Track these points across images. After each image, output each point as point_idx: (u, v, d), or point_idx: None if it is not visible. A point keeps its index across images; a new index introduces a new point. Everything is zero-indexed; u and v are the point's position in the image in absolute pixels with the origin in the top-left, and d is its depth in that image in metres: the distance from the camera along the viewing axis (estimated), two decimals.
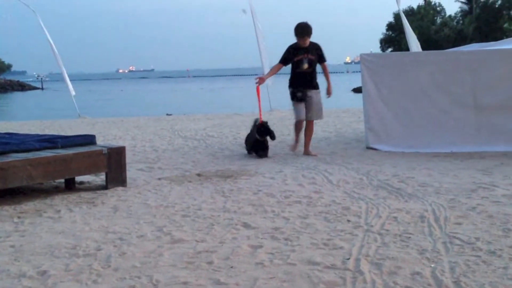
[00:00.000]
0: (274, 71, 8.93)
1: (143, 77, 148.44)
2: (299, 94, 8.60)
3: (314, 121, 8.91)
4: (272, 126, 9.03)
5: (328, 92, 8.85)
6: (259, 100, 9.00)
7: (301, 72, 8.63)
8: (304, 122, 8.81)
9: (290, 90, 8.77)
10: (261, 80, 8.67)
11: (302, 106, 8.66)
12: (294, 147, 9.06)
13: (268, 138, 8.79)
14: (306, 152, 8.76)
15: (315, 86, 8.74)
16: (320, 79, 8.95)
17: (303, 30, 8.58)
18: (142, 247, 4.31)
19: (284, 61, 8.75)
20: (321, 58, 8.78)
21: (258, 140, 8.71)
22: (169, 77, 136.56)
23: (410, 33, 15.22)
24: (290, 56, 8.67)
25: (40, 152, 6.22)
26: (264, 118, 8.96)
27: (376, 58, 9.45)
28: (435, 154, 8.36)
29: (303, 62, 8.57)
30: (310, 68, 8.62)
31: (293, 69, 8.71)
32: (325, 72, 9.02)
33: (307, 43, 8.63)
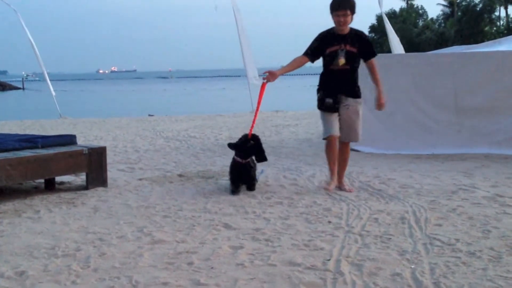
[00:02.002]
0: (294, 65, 6.13)
1: (126, 78, 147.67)
2: (329, 100, 6.05)
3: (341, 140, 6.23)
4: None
5: (380, 104, 6.15)
6: (258, 103, 6.38)
7: (335, 71, 6.05)
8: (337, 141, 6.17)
9: (318, 95, 6.18)
10: (271, 76, 6.02)
11: (334, 117, 6.09)
12: (330, 183, 6.24)
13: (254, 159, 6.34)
14: (340, 184, 6.28)
15: (355, 93, 6.11)
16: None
17: (341, 1, 6.03)
18: (122, 248, 4.28)
19: (310, 52, 6.11)
20: (366, 52, 6.09)
21: (238, 164, 6.20)
22: (155, 77, 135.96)
23: (393, 36, 15.30)
24: (320, 45, 6.08)
25: (20, 152, 6.15)
26: (252, 125, 6.44)
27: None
28: (417, 156, 8.40)
29: (337, 56, 6.00)
30: (349, 65, 6.02)
31: (324, 65, 6.16)
32: (372, 73, 6.12)
33: (346, 29, 6.05)
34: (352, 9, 5.95)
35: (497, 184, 6.30)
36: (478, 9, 57.71)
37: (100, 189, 6.45)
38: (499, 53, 8.77)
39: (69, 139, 6.78)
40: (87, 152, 6.42)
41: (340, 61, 5.98)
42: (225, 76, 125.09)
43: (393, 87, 8.93)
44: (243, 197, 5.93)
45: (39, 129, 14.34)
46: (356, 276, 3.59)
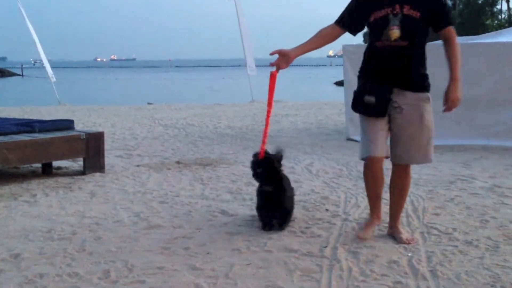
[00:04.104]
0: (318, 41, 3.97)
1: (126, 66, 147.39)
2: (370, 99, 3.84)
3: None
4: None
5: (451, 100, 3.84)
6: (269, 101, 4.13)
7: (384, 49, 3.84)
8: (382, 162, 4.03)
9: (357, 86, 4.03)
10: (283, 59, 3.89)
11: (378, 125, 3.90)
12: (367, 226, 4.15)
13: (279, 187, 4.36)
14: (394, 228, 4.12)
15: (417, 84, 3.87)
16: None
17: None
18: (118, 232, 4.27)
19: (346, 19, 3.97)
20: (437, 17, 3.84)
21: (264, 192, 4.36)
22: (154, 66, 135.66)
23: None
24: (361, 8, 3.93)
25: (17, 136, 6.13)
26: (263, 140, 4.27)
27: (358, 49, 9.41)
28: None
29: (388, 24, 3.78)
30: (407, 38, 3.78)
31: (369, 40, 3.97)
32: (449, 49, 3.89)
33: None
34: None
35: (495, 175, 6.28)
36: (479, 2, 57.56)
37: (97, 174, 6.43)
38: (500, 44, 8.73)
39: (67, 124, 6.76)
40: (84, 137, 6.40)
41: (392, 32, 3.74)
42: (226, 66, 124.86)
43: None
44: (241, 184, 5.91)
45: (38, 115, 14.28)
46: (352, 263, 3.58)
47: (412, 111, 3.83)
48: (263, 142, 4.22)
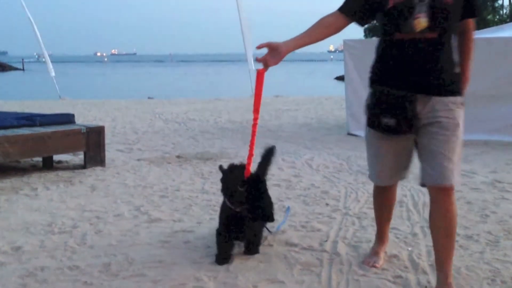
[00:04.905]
0: (317, 33, 3.11)
1: (127, 61, 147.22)
2: (388, 121, 3.00)
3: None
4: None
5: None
6: (256, 100, 3.32)
7: (406, 42, 2.98)
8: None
9: (369, 94, 3.13)
10: (272, 55, 3.06)
11: (399, 146, 3.17)
12: (374, 253, 3.57)
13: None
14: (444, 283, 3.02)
15: (450, 86, 3.02)
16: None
17: None
18: (119, 226, 4.27)
19: (352, 7, 3.16)
20: (467, 5, 3.09)
21: (233, 216, 3.49)
22: (155, 61, 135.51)
23: None
24: None
25: (18, 130, 6.14)
26: (250, 152, 3.44)
27: (359, 44, 9.43)
28: None
29: (413, 11, 2.94)
30: (436, 29, 2.95)
31: (384, 32, 3.11)
32: (464, 43, 3.20)
33: None
34: None
35: (496, 170, 6.28)
36: None
37: (98, 168, 6.43)
38: (501, 39, 8.71)
39: (67, 118, 6.76)
40: (85, 131, 6.40)
41: (417, 22, 2.92)
42: (226, 60, 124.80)
43: None
44: None
45: (38, 109, 14.27)
46: (352, 257, 3.58)
47: (443, 121, 2.96)
48: (249, 157, 3.37)
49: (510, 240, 3.91)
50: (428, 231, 4.08)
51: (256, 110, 3.35)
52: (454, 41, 3.04)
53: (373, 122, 3.06)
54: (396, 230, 4.14)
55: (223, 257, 3.49)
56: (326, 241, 3.90)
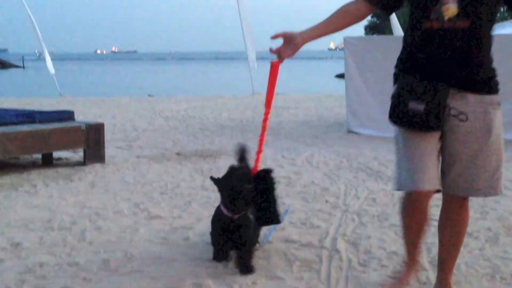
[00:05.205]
0: (337, 22, 2.84)
1: (127, 59, 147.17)
2: (417, 106, 2.63)
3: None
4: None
5: None
6: (269, 95, 3.09)
7: (434, 32, 2.66)
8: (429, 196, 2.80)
9: (396, 86, 2.78)
10: (288, 47, 2.81)
11: (428, 146, 2.71)
12: (398, 280, 3.07)
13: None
14: (445, 285, 2.96)
15: (483, 83, 2.72)
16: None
17: None
18: (118, 222, 4.27)
19: None
20: None
21: (224, 219, 3.29)
22: (156, 59, 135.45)
23: (395, 21, 15.17)
24: None
25: (18, 126, 6.14)
26: (259, 148, 3.18)
27: (359, 42, 9.43)
28: None
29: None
30: (469, 18, 2.61)
31: (412, 21, 2.78)
32: None
33: None
34: None
35: None
36: None
37: (98, 165, 6.43)
38: (502, 36, 8.70)
39: (67, 115, 6.76)
40: (84, 128, 6.40)
41: (446, 8, 2.62)
42: (227, 58, 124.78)
43: (392, 68, 8.87)
44: None
45: (38, 107, 14.25)
46: (352, 254, 3.58)
47: (476, 122, 2.65)
48: (258, 153, 3.17)
49: (510, 236, 3.91)
50: (427, 228, 4.08)
51: (268, 104, 3.11)
52: (490, 32, 2.68)
53: (397, 111, 2.66)
54: (396, 226, 4.13)
55: (221, 255, 3.42)
56: (326, 238, 3.90)
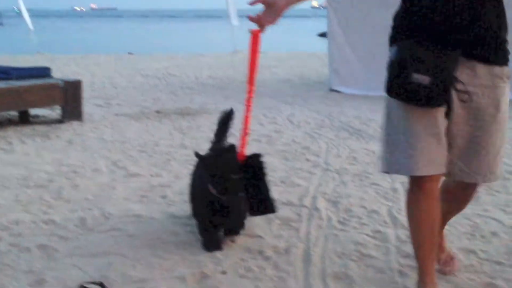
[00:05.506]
0: None
1: (107, 16, 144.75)
2: (422, 78, 2.18)
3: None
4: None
5: None
6: (251, 70, 2.82)
7: None
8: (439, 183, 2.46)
9: (394, 51, 2.37)
10: (269, 14, 2.53)
11: (434, 123, 2.28)
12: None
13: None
14: (442, 255, 2.75)
15: (495, 52, 2.29)
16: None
17: None
18: (96, 180, 4.21)
19: None
20: None
21: (212, 198, 2.90)
22: (136, 16, 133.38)
23: None
24: None
25: None
26: (244, 130, 2.93)
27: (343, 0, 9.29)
28: None
29: None
30: None
31: None
32: None
33: None
34: None
35: None
36: None
37: (76, 123, 6.32)
38: None
39: (44, 72, 6.62)
40: (62, 85, 6.26)
41: None
42: (208, 16, 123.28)
43: (378, 28, 8.76)
44: None
45: (15, 64, 13.99)
46: (332, 212, 3.56)
47: (484, 96, 2.28)
48: (243, 136, 2.90)
49: (491, 195, 3.91)
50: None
51: (251, 81, 2.82)
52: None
53: (397, 83, 2.26)
54: (376, 185, 4.12)
55: (212, 245, 2.98)
56: (306, 196, 3.87)
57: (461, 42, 2.23)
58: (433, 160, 2.28)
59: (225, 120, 3.44)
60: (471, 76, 2.26)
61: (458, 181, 2.44)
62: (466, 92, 2.26)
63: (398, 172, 2.42)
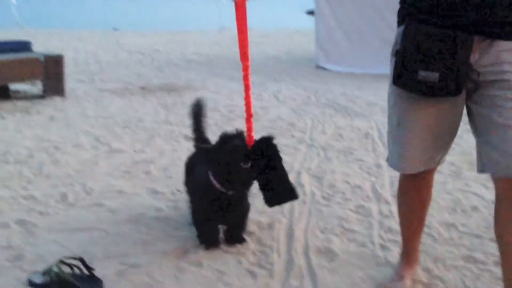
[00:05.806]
0: None
1: None
2: (429, 75, 1.91)
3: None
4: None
5: None
6: (242, 44, 2.52)
7: None
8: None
9: (401, 34, 1.99)
10: None
11: (430, 118, 2.08)
12: (398, 278, 2.40)
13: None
14: None
15: None
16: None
17: None
18: (77, 156, 4.15)
19: None
20: None
21: (218, 195, 2.59)
22: None
23: None
24: None
25: None
26: (248, 112, 2.65)
27: None
28: (385, 75, 8.29)
29: None
30: None
31: None
32: None
33: None
34: None
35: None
36: None
37: (57, 98, 6.23)
38: None
39: (23, 46, 6.50)
40: (43, 59, 6.16)
41: None
42: None
43: (366, 5, 8.72)
44: (206, 110, 5.78)
45: None
46: (316, 188, 3.53)
47: (509, 78, 1.90)
48: (248, 118, 2.59)
49: (472, 171, 3.90)
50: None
51: (244, 56, 2.51)
52: None
53: (404, 78, 1.98)
54: (361, 161, 4.10)
55: (210, 243, 2.71)
56: (290, 172, 3.84)
57: (477, 23, 1.89)
58: (425, 158, 2.15)
59: (197, 112, 3.19)
60: (492, 54, 1.91)
61: (499, 179, 1.99)
62: (485, 73, 1.93)
63: (391, 167, 2.28)
